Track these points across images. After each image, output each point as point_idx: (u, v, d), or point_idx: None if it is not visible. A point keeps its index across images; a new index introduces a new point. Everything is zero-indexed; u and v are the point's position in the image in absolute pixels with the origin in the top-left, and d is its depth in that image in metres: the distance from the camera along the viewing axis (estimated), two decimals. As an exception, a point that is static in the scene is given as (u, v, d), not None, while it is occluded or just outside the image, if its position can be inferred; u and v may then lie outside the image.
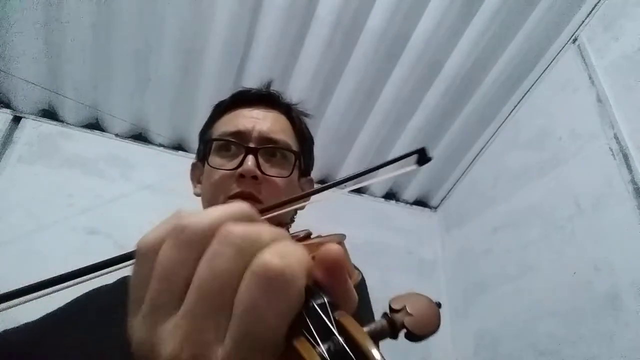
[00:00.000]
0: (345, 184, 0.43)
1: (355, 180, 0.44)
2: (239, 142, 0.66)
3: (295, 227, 0.75)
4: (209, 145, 0.68)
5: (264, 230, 0.22)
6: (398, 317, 0.23)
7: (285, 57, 1.49)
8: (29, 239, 1.38)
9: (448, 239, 1.87)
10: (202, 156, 0.72)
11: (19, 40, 1.42)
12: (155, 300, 0.21)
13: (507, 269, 1.46)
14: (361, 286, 0.65)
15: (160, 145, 1.74)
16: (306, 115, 0.79)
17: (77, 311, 0.61)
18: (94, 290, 0.63)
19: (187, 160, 1.64)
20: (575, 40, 1.40)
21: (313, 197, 0.48)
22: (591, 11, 1.35)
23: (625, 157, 1.13)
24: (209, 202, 0.67)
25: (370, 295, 0.69)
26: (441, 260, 1.85)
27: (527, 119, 1.57)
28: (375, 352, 0.19)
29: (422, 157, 0.42)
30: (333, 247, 0.23)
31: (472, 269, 1.66)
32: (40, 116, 1.63)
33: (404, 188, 1.96)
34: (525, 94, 1.58)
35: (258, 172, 0.63)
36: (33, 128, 1.61)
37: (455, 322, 1.68)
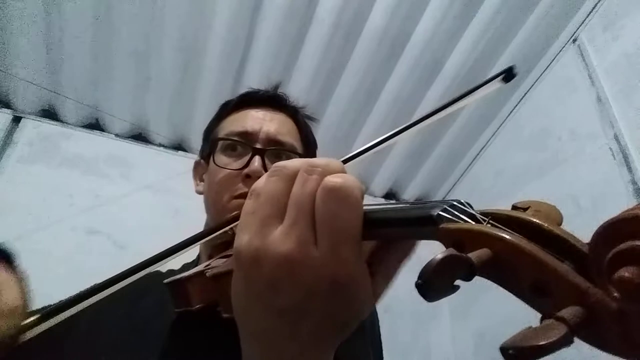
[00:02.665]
0: (435, 114, 0.47)
1: (445, 109, 0.47)
2: (246, 142, 0.66)
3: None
4: (215, 144, 0.68)
5: (332, 164, 0.29)
6: (528, 212, 0.24)
7: (285, 57, 1.49)
8: (29, 239, 1.38)
9: (448, 239, 1.87)
10: (207, 154, 0.71)
11: (19, 40, 1.42)
12: (266, 217, 0.28)
13: (507, 269, 1.46)
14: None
15: (160, 145, 1.74)
16: (312, 119, 0.79)
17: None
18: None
19: (187, 160, 1.65)
20: (575, 40, 1.40)
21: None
22: (591, 11, 1.35)
23: (625, 157, 1.13)
24: (213, 201, 0.66)
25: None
26: (441, 260, 1.85)
27: (527, 119, 1.57)
28: (531, 216, 0.22)
29: (509, 74, 0.45)
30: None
31: (472, 269, 1.66)
32: (40, 116, 1.63)
33: (404, 188, 1.96)
34: (525, 94, 1.58)
35: (265, 173, 0.63)
36: (33, 128, 1.61)
37: (455, 322, 1.68)
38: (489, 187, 1.70)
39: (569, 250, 0.20)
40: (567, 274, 0.19)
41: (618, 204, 1.11)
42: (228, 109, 0.74)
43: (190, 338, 0.52)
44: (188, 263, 0.67)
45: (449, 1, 1.36)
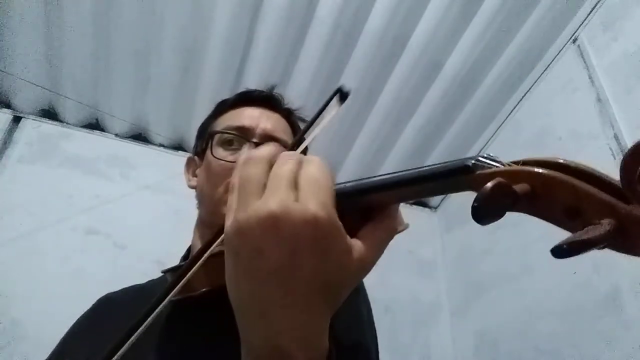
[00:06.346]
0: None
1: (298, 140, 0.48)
2: (243, 136, 0.67)
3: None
4: (212, 137, 0.69)
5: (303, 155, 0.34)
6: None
7: (285, 57, 1.49)
8: (29, 239, 1.38)
9: (448, 238, 1.87)
10: (200, 150, 0.73)
11: (19, 41, 1.42)
12: (246, 196, 0.30)
13: (507, 269, 1.46)
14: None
15: (160, 145, 1.74)
16: (305, 121, 0.80)
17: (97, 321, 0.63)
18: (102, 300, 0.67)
19: (187, 160, 1.65)
20: (575, 40, 1.40)
21: None
22: (591, 11, 1.35)
23: (625, 157, 1.13)
24: (207, 193, 0.66)
25: (370, 295, 0.69)
26: (441, 260, 1.85)
27: (527, 119, 1.57)
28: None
29: (342, 95, 0.46)
30: None
31: (472, 269, 1.66)
32: (40, 116, 1.63)
33: (404, 188, 1.96)
34: (525, 94, 1.58)
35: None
36: (33, 128, 1.61)
37: (455, 322, 1.68)
38: (489, 187, 1.70)
39: (594, 178, 0.25)
40: (599, 194, 0.23)
41: (618, 204, 1.11)
42: (225, 106, 0.75)
43: (188, 325, 0.54)
44: (183, 256, 0.70)
45: (449, 1, 1.36)
